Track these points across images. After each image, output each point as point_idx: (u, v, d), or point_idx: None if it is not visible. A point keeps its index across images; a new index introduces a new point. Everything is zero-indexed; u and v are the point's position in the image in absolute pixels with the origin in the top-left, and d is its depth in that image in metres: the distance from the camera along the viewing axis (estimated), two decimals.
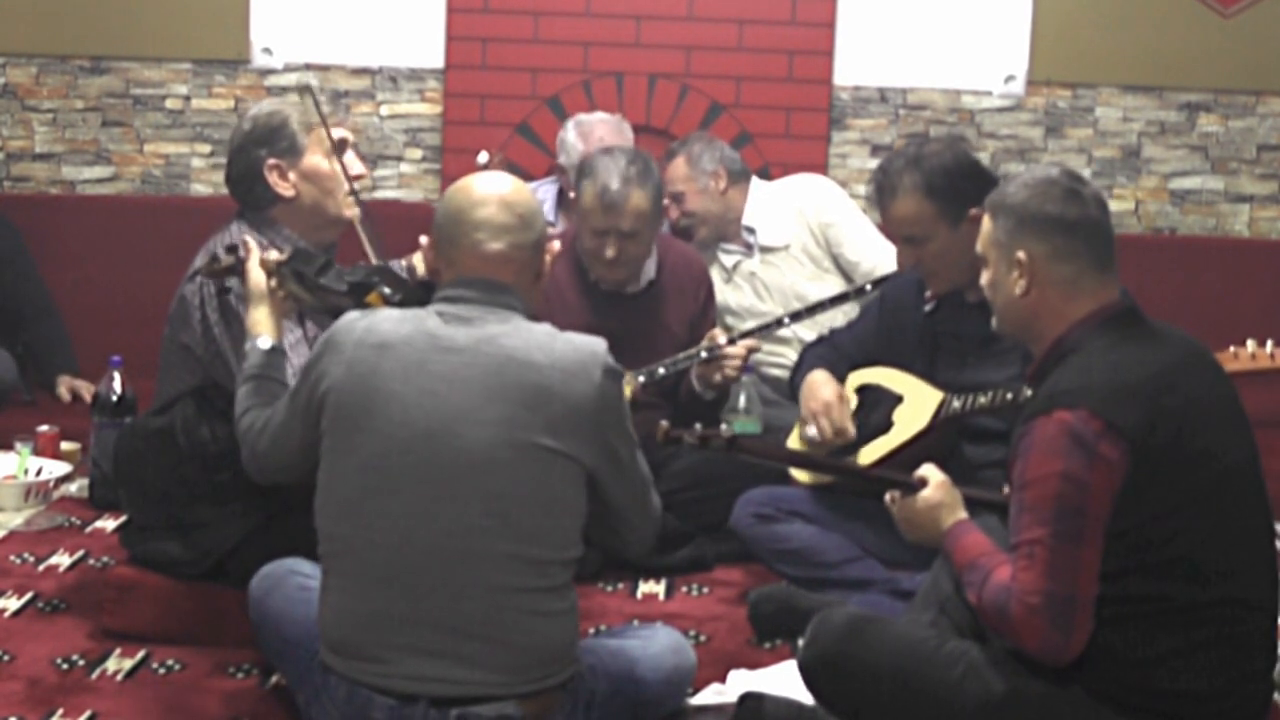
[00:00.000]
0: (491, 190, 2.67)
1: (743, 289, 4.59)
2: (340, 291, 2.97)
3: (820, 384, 3.52)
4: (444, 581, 2.51)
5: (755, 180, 4.65)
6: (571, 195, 4.14)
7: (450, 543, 2.51)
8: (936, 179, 3.32)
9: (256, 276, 2.99)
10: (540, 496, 2.52)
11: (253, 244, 3.06)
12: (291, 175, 3.28)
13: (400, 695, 2.51)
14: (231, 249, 3.10)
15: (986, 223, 2.65)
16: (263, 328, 2.95)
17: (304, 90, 3.30)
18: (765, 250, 4.57)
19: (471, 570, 2.50)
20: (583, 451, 2.56)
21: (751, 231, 4.58)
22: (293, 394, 2.71)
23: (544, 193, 4.70)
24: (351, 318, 2.65)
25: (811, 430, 3.48)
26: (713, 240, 4.60)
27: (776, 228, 4.57)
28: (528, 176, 4.99)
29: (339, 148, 3.30)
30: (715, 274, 4.62)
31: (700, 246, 4.56)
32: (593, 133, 4.61)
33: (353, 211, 3.32)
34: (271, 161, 3.27)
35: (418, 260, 3.60)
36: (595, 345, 2.61)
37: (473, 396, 2.52)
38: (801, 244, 4.55)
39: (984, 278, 2.66)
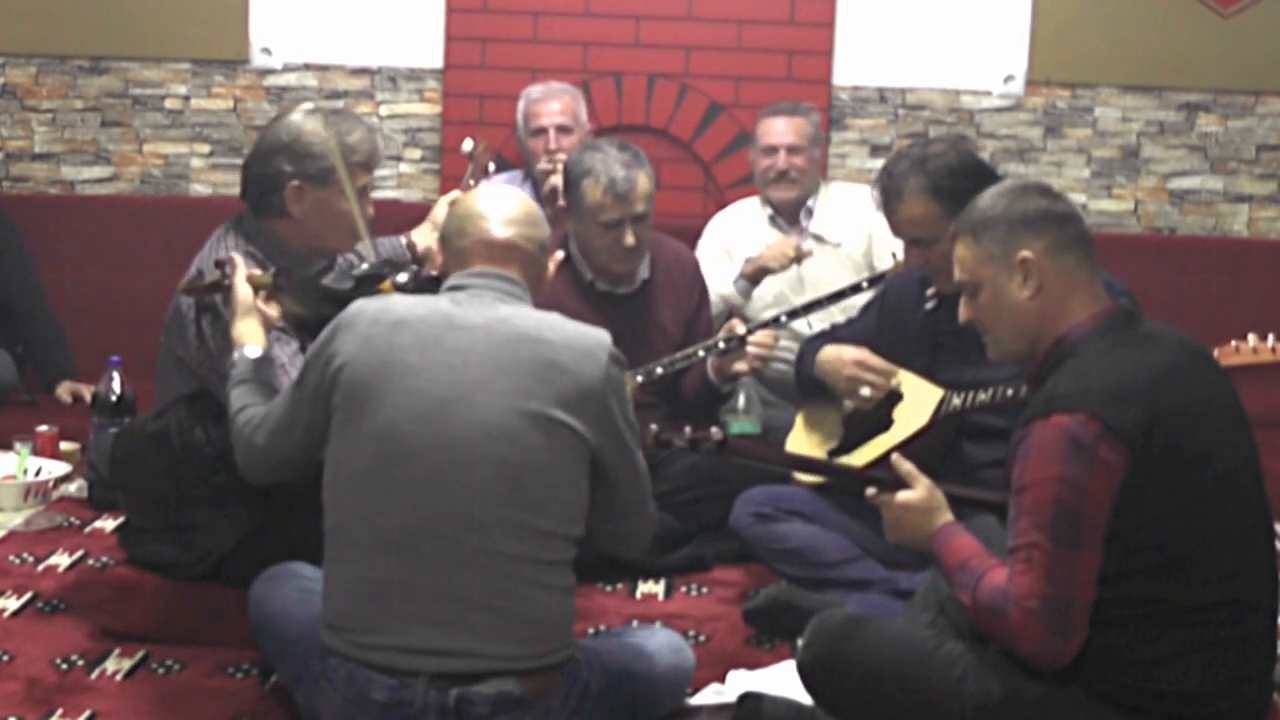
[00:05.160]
0: (499, 194, 2.81)
1: (778, 276, 4.58)
2: (346, 288, 2.98)
3: (839, 350, 3.53)
4: (451, 548, 2.53)
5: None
6: (559, 200, 4.18)
7: (459, 509, 2.54)
8: (942, 180, 3.31)
9: (244, 292, 3.01)
10: (549, 467, 2.56)
11: (239, 259, 3.06)
12: (308, 200, 3.25)
13: (400, 673, 2.52)
14: (218, 264, 3.10)
15: (967, 248, 2.62)
16: (249, 338, 2.98)
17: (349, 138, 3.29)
18: (817, 239, 4.58)
19: (478, 537, 2.53)
20: (589, 430, 2.59)
21: (809, 214, 4.61)
22: (297, 383, 2.73)
23: (512, 185, 4.70)
24: (362, 302, 2.69)
25: (865, 390, 3.46)
26: (797, 204, 4.66)
27: (837, 224, 4.60)
28: (511, 166, 5.02)
29: (363, 193, 3.29)
30: (758, 229, 4.65)
31: (781, 204, 4.66)
32: (532, 91, 4.83)
33: (352, 248, 3.33)
34: (296, 183, 3.25)
35: (416, 236, 3.59)
36: (601, 333, 2.68)
37: (487, 369, 2.57)
38: (850, 249, 4.55)
39: (980, 302, 2.61)
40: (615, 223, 3.83)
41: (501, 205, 2.76)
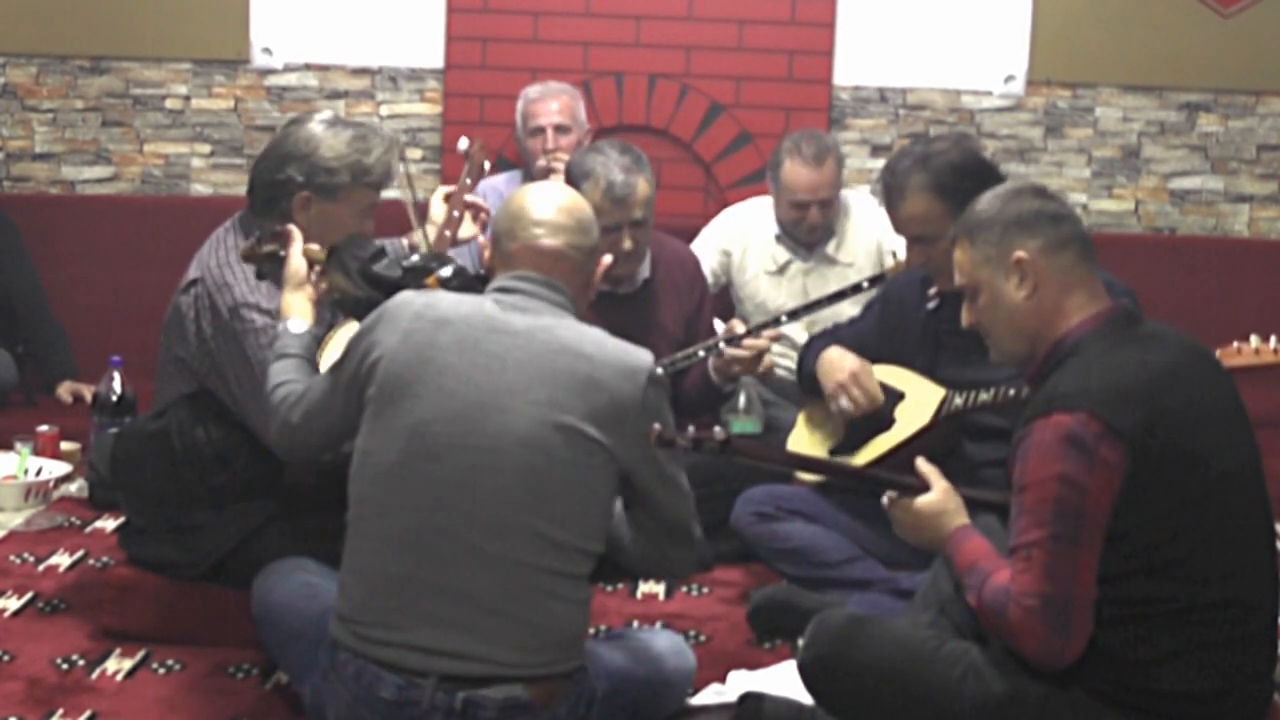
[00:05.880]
0: (552, 195, 2.77)
1: (781, 288, 4.55)
2: (394, 278, 2.98)
3: (839, 357, 3.53)
4: (469, 551, 2.53)
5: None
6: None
7: (481, 512, 2.53)
8: (945, 178, 3.31)
9: (297, 263, 3.00)
10: (574, 481, 2.56)
11: (295, 232, 3.06)
12: (313, 211, 3.25)
13: (409, 672, 2.52)
14: (276, 235, 3.10)
15: (964, 251, 2.64)
16: (295, 311, 2.97)
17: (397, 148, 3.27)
18: (828, 260, 4.54)
19: (499, 542, 2.53)
20: (620, 449, 2.59)
21: (829, 236, 4.56)
22: (336, 366, 2.73)
23: (512, 184, 4.70)
24: (409, 294, 2.69)
25: (844, 402, 3.47)
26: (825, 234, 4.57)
27: (850, 244, 4.55)
28: (511, 166, 5.03)
29: (368, 212, 3.29)
30: (764, 239, 4.59)
31: (812, 237, 4.53)
32: (530, 92, 4.82)
33: None
34: (305, 194, 3.24)
35: (416, 238, 3.59)
36: (644, 353, 2.66)
37: (524, 376, 2.57)
38: (860, 266, 4.52)
39: (979, 304, 2.63)
40: (613, 227, 3.83)
41: (553, 210, 2.71)
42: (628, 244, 3.86)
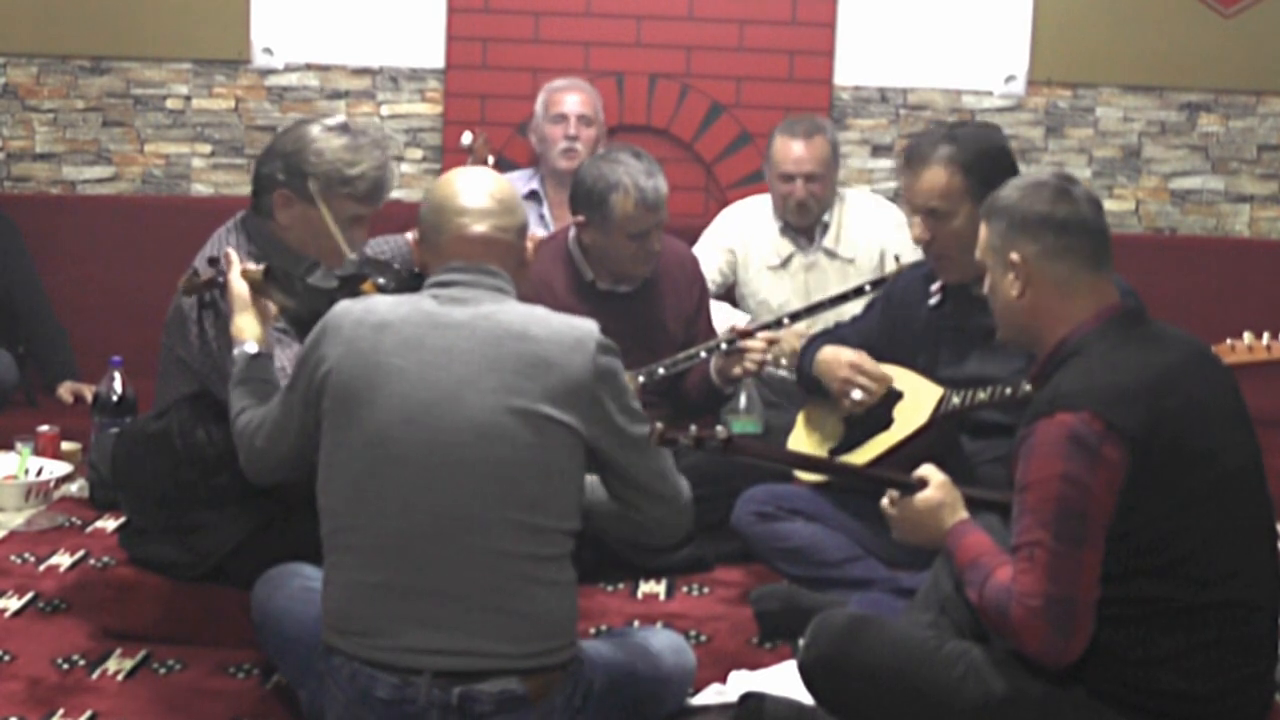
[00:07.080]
0: (472, 181, 2.77)
1: (783, 283, 4.55)
2: (331, 288, 2.99)
3: (834, 353, 3.54)
4: (448, 549, 2.53)
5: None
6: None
7: (454, 509, 2.53)
8: (970, 155, 3.31)
9: (238, 287, 3.01)
10: (541, 463, 2.56)
11: (233, 255, 3.06)
12: (294, 210, 3.25)
13: (403, 670, 2.53)
14: (213, 261, 3.10)
15: (984, 229, 2.67)
16: (247, 334, 2.98)
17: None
18: (829, 254, 4.55)
19: (474, 536, 2.53)
20: (581, 423, 2.59)
21: (825, 229, 4.58)
22: (289, 386, 2.73)
23: (520, 183, 4.72)
24: (347, 304, 2.69)
25: (856, 394, 3.47)
26: (814, 223, 4.59)
27: (851, 239, 4.56)
28: (513, 165, 5.04)
29: (356, 222, 3.26)
30: (767, 234, 4.61)
31: (802, 217, 4.56)
32: (554, 83, 4.93)
33: (337, 262, 3.30)
34: (284, 192, 3.25)
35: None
36: (588, 323, 2.66)
37: (473, 367, 2.56)
38: (861, 264, 4.52)
39: (986, 284, 2.68)
40: (643, 232, 3.85)
41: (476, 197, 2.72)
42: (657, 245, 3.89)
